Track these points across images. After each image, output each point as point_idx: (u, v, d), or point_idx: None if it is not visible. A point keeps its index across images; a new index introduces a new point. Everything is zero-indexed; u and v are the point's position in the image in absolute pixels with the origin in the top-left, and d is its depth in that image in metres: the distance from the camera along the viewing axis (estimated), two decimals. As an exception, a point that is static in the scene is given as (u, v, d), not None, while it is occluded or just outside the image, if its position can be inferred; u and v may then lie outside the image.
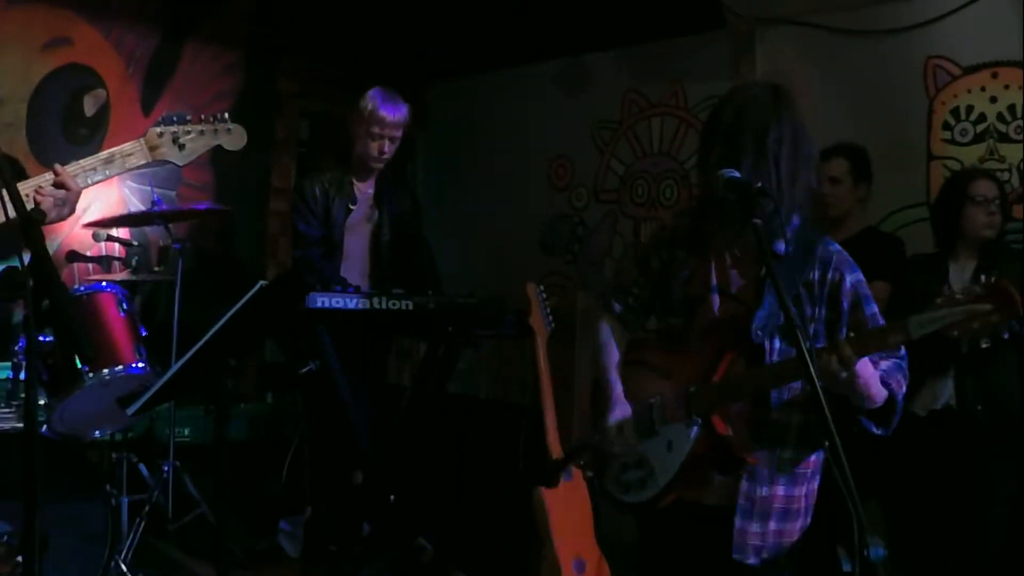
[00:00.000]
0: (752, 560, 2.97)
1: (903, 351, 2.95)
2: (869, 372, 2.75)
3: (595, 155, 7.22)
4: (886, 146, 5.40)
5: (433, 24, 7.18)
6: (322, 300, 4.45)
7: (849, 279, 2.99)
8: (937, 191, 5.08)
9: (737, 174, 2.79)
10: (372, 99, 5.51)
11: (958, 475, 4.60)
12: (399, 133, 5.58)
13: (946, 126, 5.38)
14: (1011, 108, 5.15)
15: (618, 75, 7.10)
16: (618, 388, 3.20)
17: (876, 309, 2.99)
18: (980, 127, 5.26)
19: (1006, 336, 2.45)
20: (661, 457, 3.04)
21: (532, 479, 4.58)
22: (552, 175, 7.49)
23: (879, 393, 2.79)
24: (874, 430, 2.92)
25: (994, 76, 5.22)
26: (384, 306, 4.53)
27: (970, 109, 5.29)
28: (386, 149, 5.55)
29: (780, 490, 3.00)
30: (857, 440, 4.17)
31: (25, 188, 2.71)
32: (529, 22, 6.90)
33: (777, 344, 2.96)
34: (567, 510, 4.44)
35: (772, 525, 2.99)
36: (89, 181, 2.87)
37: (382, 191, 5.73)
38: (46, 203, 2.76)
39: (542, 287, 5.01)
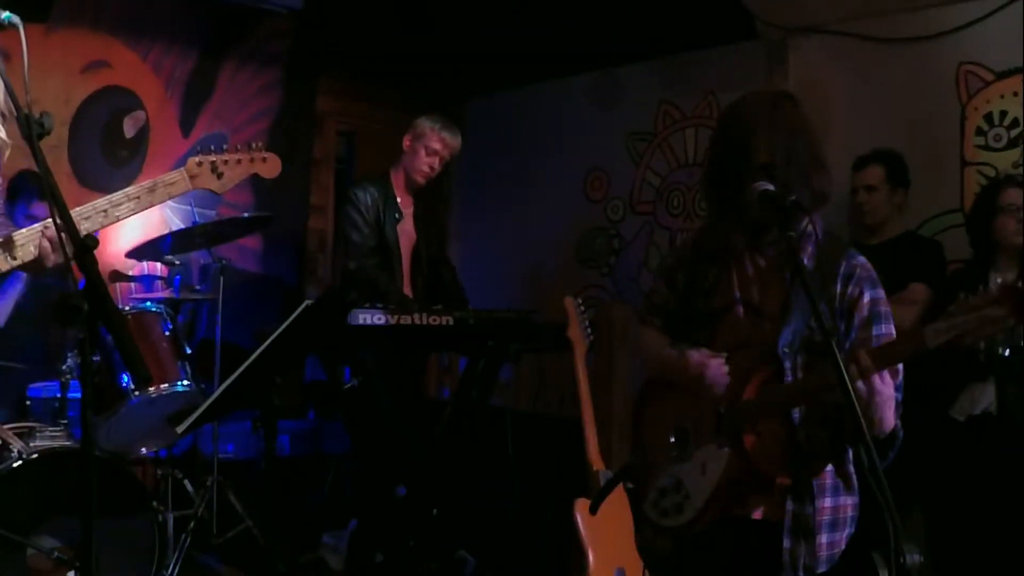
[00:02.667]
0: None
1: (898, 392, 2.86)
2: (888, 391, 2.67)
3: (630, 167, 7.26)
4: (920, 153, 5.42)
5: (468, 41, 7.24)
6: (364, 317, 4.51)
7: (868, 295, 2.93)
8: (972, 198, 5.10)
9: (771, 187, 2.77)
10: (436, 119, 5.73)
11: (997, 482, 4.59)
12: (449, 156, 5.80)
13: (979, 132, 5.38)
14: (1045, 112, 5.16)
15: (651, 87, 7.14)
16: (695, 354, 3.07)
17: (888, 330, 2.92)
18: (1014, 132, 5.26)
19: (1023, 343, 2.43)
20: (696, 480, 3.00)
21: (573, 491, 4.61)
22: (588, 188, 7.53)
23: (891, 419, 2.71)
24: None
25: (1027, 81, 5.23)
26: (425, 322, 4.59)
27: (1003, 114, 5.30)
28: (436, 167, 5.75)
29: (827, 502, 2.94)
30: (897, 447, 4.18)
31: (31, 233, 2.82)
32: (562, 36, 6.95)
33: (802, 361, 2.90)
34: (608, 521, 4.47)
35: (823, 539, 2.93)
36: (134, 209, 2.95)
37: (419, 213, 5.88)
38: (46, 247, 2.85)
39: (580, 300, 5.04)
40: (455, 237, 8.39)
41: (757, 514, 3.00)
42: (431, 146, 5.68)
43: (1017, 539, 4.53)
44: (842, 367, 2.45)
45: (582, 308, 5.00)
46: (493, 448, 5.94)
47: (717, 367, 2.96)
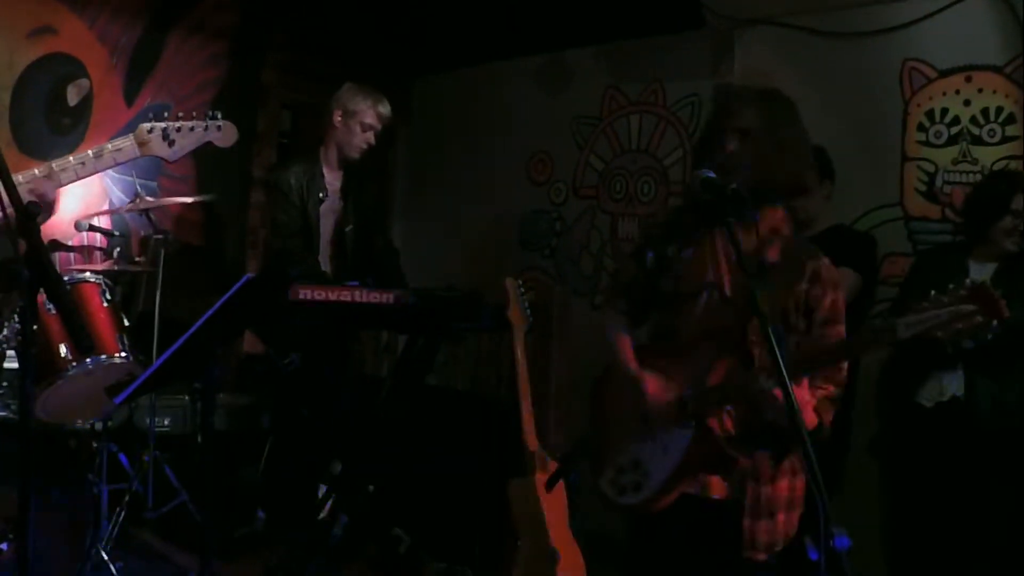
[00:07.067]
0: (762, 555, 3.06)
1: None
2: (804, 396, 2.83)
3: (575, 151, 7.28)
4: (861, 147, 5.49)
5: (416, 19, 7.22)
6: (304, 292, 4.49)
7: (830, 297, 3.06)
8: (911, 193, 5.12)
9: (712, 174, 2.82)
10: (364, 94, 5.67)
11: (962, 468, 4.64)
12: (382, 128, 5.75)
13: (921, 128, 5.45)
14: (984, 111, 5.23)
15: (598, 72, 7.15)
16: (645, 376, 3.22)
17: (841, 331, 3.07)
18: (954, 129, 5.33)
19: (989, 338, 2.57)
20: (657, 460, 3.09)
21: (508, 471, 4.64)
22: (532, 170, 7.55)
23: (809, 419, 2.84)
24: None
25: (968, 80, 5.30)
26: (365, 299, 4.57)
27: (944, 112, 5.37)
28: (372, 142, 5.73)
29: (784, 483, 3.10)
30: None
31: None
32: (511, 18, 6.95)
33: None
34: (543, 502, 4.49)
35: (781, 518, 3.09)
36: (78, 176, 2.90)
37: (349, 183, 5.84)
38: None
39: (520, 281, 5.05)
40: (398, 216, 8.39)
41: (716, 494, 3.10)
42: (366, 122, 5.67)
43: (975, 528, 4.62)
44: (780, 361, 2.50)
45: (522, 290, 5.01)
46: (430, 427, 5.96)
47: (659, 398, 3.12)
